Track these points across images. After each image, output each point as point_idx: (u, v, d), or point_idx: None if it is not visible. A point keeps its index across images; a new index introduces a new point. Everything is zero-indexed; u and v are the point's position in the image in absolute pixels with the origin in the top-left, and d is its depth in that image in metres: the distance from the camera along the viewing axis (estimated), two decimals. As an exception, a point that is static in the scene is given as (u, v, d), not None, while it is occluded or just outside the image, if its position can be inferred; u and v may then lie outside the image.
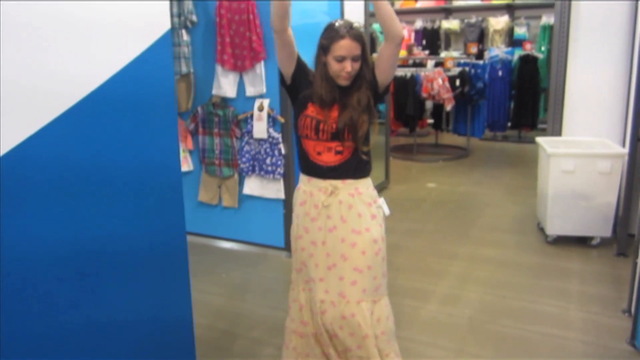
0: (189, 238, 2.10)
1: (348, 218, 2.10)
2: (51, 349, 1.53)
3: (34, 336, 1.48)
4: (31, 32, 1.41)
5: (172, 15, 3.66)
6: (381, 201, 2.20)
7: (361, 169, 2.14)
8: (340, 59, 1.99)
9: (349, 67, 1.99)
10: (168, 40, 1.83)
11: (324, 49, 2.03)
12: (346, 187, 2.11)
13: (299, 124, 2.15)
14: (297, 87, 2.16)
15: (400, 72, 6.71)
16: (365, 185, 2.16)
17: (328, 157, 2.11)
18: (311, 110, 2.11)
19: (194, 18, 3.76)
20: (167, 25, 1.82)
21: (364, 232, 2.09)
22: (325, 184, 2.12)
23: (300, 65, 2.13)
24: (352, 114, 2.04)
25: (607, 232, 3.85)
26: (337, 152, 2.10)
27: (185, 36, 3.80)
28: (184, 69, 3.83)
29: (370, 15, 5.32)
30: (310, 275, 2.16)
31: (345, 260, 2.09)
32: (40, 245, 1.48)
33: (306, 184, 2.18)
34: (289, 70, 2.13)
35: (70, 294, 1.57)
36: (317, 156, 2.13)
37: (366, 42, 2.05)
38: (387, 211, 2.20)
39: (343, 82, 2.05)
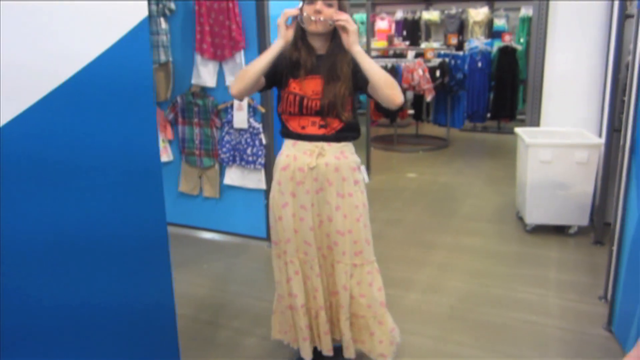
0: (170, 229, 2.07)
1: (334, 181, 2.13)
2: (31, 335, 1.50)
3: (13, 323, 1.45)
4: (9, 18, 1.37)
5: (149, 3, 3.60)
6: (362, 168, 2.24)
7: (347, 134, 2.16)
8: (311, 1, 2.00)
9: (319, 5, 1.99)
10: (145, 28, 1.80)
11: (301, 7, 2.05)
12: (332, 150, 2.13)
13: (282, 101, 2.14)
14: (276, 80, 2.16)
15: (381, 62, 6.71)
16: (350, 150, 2.19)
17: (312, 130, 2.13)
18: (293, 87, 2.11)
19: (172, 6, 3.70)
20: (144, 13, 1.78)
21: (346, 197, 2.14)
22: (311, 146, 2.12)
23: (270, 72, 2.10)
24: (334, 90, 2.06)
25: (584, 221, 3.92)
26: (321, 126, 2.12)
27: (163, 24, 3.74)
28: (162, 58, 3.78)
29: (351, 5, 5.31)
30: (305, 238, 2.17)
31: (330, 222, 2.16)
32: (19, 233, 1.45)
33: (290, 148, 2.17)
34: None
35: (49, 282, 1.54)
36: (301, 130, 2.14)
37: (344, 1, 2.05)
38: (366, 178, 2.25)
39: (317, 27, 2.03)
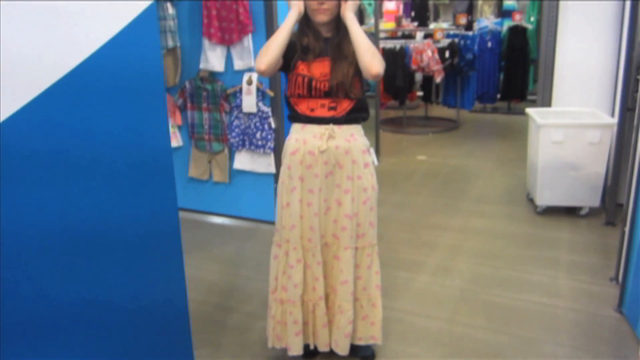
0: (180, 214, 2.08)
1: (344, 164, 2.12)
2: (42, 328, 1.51)
3: (26, 315, 1.47)
4: (11, 7, 1.36)
5: (157, -12, 3.58)
6: (371, 150, 2.23)
7: (357, 116, 2.16)
8: None
9: None
10: (153, 13, 1.78)
11: None
12: (342, 132, 2.13)
13: (290, 84, 2.13)
14: (288, 61, 2.13)
15: (390, 44, 6.65)
16: (360, 133, 2.19)
17: (322, 112, 2.12)
18: (302, 69, 2.11)
19: (180, -10, 3.68)
20: (151, -4, 1.77)
21: (355, 180, 2.14)
22: (321, 129, 2.12)
23: (285, 53, 2.09)
24: (342, 70, 2.06)
25: (596, 202, 3.89)
26: (331, 108, 2.12)
27: (170, 9, 3.72)
28: (170, 43, 3.77)
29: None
30: (310, 224, 2.16)
31: (340, 205, 2.15)
32: (31, 224, 1.45)
33: (299, 132, 2.16)
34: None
35: (62, 273, 1.55)
36: (310, 112, 2.13)
37: None
38: (376, 161, 2.23)
39: (322, 18, 2.04)
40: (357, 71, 2.08)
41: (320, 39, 2.11)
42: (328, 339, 2.25)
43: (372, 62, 1.99)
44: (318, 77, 2.09)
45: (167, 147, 1.91)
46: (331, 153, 2.11)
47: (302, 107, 2.14)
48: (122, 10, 1.68)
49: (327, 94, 2.09)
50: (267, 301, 2.32)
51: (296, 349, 2.24)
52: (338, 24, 2.10)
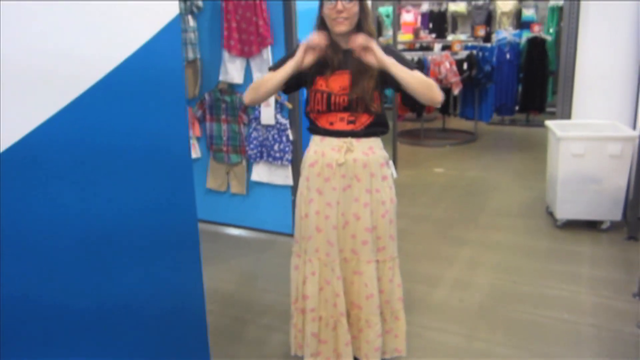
0: (198, 227, 2.09)
1: (362, 177, 2.11)
2: (61, 331, 1.53)
3: (45, 318, 1.48)
4: (36, 14, 1.39)
5: (178, 1, 3.63)
6: (390, 163, 2.22)
7: (376, 130, 2.15)
8: (331, 0, 1.98)
9: (339, 5, 1.96)
10: (177, 26, 1.81)
11: (320, 6, 2.04)
12: (361, 146, 2.12)
13: (309, 100, 2.14)
14: (297, 80, 2.14)
15: (408, 56, 6.64)
16: (378, 145, 2.17)
17: (341, 125, 2.12)
18: (320, 84, 2.10)
19: (200, 3, 3.73)
20: (175, 11, 1.80)
21: (374, 193, 2.12)
22: (339, 142, 2.11)
23: (291, 82, 2.12)
24: (363, 84, 2.03)
25: (617, 216, 3.83)
26: (350, 122, 2.11)
27: (191, 22, 3.77)
28: (190, 55, 3.82)
29: (377, -1, 5.27)
30: (328, 238, 2.13)
31: (358, 220, 2.12)
32: (55, 227, 1.48)
33: (318, 144, 2.16)
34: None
35: (83, 278, 1.57)
36: (329, 126, 2.13)
37: None
38: (395, 173, 2.22)
39: (340, 28, 2.00)
40: (377, 85, 2.07)
41: (339, 51, 2.08)
42: (351, 357, 2.19)
43: (432, 96, 2.00)
44: (337, 92, 2.07)
45: (187, 156, 1.93)
46: (349, 166, 2.11)
47: (322, 121, 2.14)
48: (148, 23, 1.71)
49: (346, 109, 2.08)
50: (290, 310, 2.30)
51: None
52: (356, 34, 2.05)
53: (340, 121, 2.11)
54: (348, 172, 2.11)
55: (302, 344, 2.26)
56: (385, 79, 2.08)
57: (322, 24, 2.07)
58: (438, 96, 2.02)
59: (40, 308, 1.46)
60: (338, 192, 2.12)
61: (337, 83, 2.08)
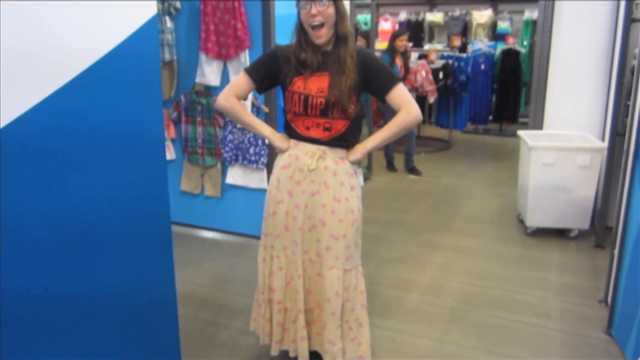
0: (171, 228, 2.08)
1: (331, 184, 2.15)
2: (30, 325, 1.51)
3: (12, 311, 1.46)
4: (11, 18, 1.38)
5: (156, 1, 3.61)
6: (359, 171, 2.26)
7: (348, 141, 2.19)
8: (305, 5, 2.02)
9: (313, 9, 2.00)
10: (154, 26, 1.80)
11: (297, 11, 2.08)
12: (333, 154, 2.16)
13: (286, 101, 2.17)
14: (272, 81, 2.22)
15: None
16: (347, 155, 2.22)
17: (317, 132, 2.15)
18: (298, 86, 2.12)
19: (178, 5, 3.71)
20: (153, 10, 1.79)
21: (343, 201, 2.15)
22: (313, 148, 2.15)
23: (260, 76, 2.20)
24: (340, 85, 2.06)
25: (586, 225, 3.92)
26: (326, 129, 2.14)
27: (168, 23, 3.75)
28: (167, 57, 3.79)
29: (355, 6, 5.32)
30: (294, 238, 2.19)
31: (324, 226, 2.15)
32: (27, 221, 1.46)
33: (293, 148, 2.20)
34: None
35: (53, 271, 1.55)
36: (305, 131, 2.16)
37: None
38: (361, 182, 2.27)
39: (319, 40, 2.06)
40: (355, 88, 2.10)
41: (319, 53, 2.11)
42: (306, 352, 2.25)
43: (413, 126, 2.22)
44: (315, 93, 2.09)
45: (160, 146, 1.92)
46: (320, 173, 2.14)
47: (299, 124, 2.17)
48: (125, 22, 1.70)
49: (323, 112, 2.11)
50: (256, 300, 2.37)
51: (274, 350, 2.31)
52: (337, 37, 2.09)
53: (316, 127, 2.14)
54: (318, 178, 2.15)
55: (269, 332, 2.31)
56: (367, 87, 2.14)
57: (301, 29, 2.10)
58: (417, 121, 2.17)
59: (7, 302, 1.44)
60: (307, 195, 2.16)
61: (316, 84, 2.10)
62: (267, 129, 2.26)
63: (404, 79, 5.54)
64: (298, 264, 2.19)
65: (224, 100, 2.21)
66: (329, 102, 2.08)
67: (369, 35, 5.90)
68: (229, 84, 2.25)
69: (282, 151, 2.21)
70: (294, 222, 2.18)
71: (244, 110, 2.27)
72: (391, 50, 5.53)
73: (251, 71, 2.20)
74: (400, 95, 2.13)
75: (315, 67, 2.10)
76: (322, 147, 2.15)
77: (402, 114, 2.13)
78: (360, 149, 2.20)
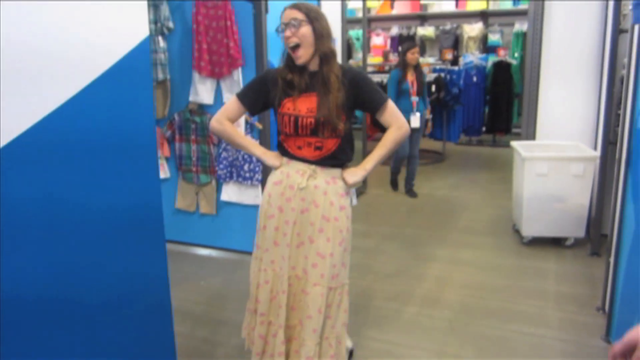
0: (167, 246, 2.08)
1: (320, 203, 2.16)
2: (22, 323, 1.51)
3: (17, 308, 1.47)
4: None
5: (148, 22, 3.64)
6: (352, 191, 2.27)
7: (340, 159, 2.21)
8: (282, 29, 2.09)
9: (287, 31, 2.07)
10: (146, 47, 1.82)
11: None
12: (324, 174, 2.18)
13: (278, 122, 2.21)
14: (263, 104, 2.26)
15: (377, 78, 6.77)
16: (340, 175, 2.23)
17: (308, 152, 2.18)
18: (287, 107, 2.15)
19: (171, 24, 3.74)
20: (146, 32, 1.81)
21: (332, 221, 2.16)
22: (304, 167, 2.18)
23: (251, 100, 2.25)
24: (328, 104, 2.08)
25: (581, 233, 3.93)
26: (317, 148, 2.17)
27: (161, 43, 3.78)
28: (160, 76, 3.81)
29: (347, 22, 5.37)
30: (282, 254, 2.20)
31: (312, 243, 2.17)
32: (21, 219, 1.48)
33: (285, 165, 2.23)
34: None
35: (46, 269, 1.56)
36: (297, 150, 2.19)
37: (314, 14, 2.09)
38: (354, 201, 2.29)
39: (299, 61, 2.10)
40: (342, 106, 2.12)
41: (306, 74, 2.15)
42: None
43: (404, 139, 2.25)
44: (305, 114, 2.12)
45: (153, 153, 1.93)
46: (310, 191, 2.17)
47: (290, 144, 2.20)
48: (118, 43, 1.72)
49: (313, 132, 2.13)
50: (247, 309, 2.38)
51: None
52: (322, 58, 2.12)
53: (307, 146, 2.17)
54: (308, 196, 2.17)
55: (253, 341, 2.32)
56: (359, 105, 2.18)
57: (288, 52, 2.14)
58: (407, 134, 2.24)
59: (7, 302, 1.44)
60: (296, 213, 2.18)
61: (305, 105, 2.13)
62: (259, 149, 2.29)
63: (418, 95, 5.23)
64: (284, 279, 2.20)
65: (217, 123, 2.26)
66: (319, 121, 2.10)
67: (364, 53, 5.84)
68: (222, 107, 2.30)
69: (276, 168, 2.24)
70: (283, 238, 2.20)
71: (237, 133, 2.31)
72: (403, 65, 5.17)
73: (242, 96, 2.25)
74: (390, 113, 2.21)
75: (303, 88, 2.13)
76: (313, 166, 2.18)
77: (393, 130, 2.21)
78: (361, 172, 2.22)
